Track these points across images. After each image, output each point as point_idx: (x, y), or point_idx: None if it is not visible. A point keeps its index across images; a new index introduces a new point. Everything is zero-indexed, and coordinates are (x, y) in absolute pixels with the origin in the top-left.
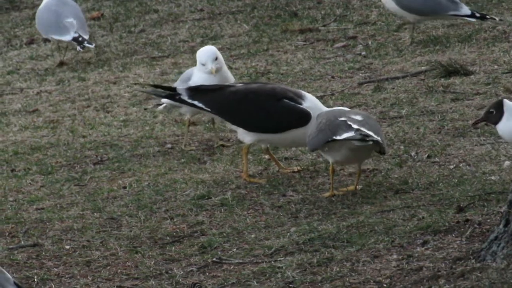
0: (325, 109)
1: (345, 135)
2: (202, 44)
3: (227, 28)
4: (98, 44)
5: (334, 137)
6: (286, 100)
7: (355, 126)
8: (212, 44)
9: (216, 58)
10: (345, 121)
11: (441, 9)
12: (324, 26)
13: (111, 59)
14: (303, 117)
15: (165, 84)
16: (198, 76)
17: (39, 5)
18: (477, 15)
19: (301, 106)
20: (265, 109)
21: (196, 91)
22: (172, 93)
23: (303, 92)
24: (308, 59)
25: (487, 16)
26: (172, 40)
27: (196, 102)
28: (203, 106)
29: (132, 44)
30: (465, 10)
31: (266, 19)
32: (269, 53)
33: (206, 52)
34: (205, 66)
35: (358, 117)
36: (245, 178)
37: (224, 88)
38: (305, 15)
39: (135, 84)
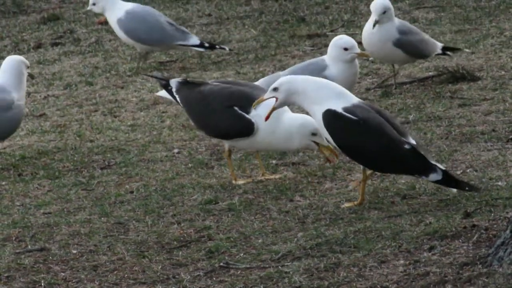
0: (286, 116)
1: (434, 177)
2: (211, 48)
3: (235, 33)
4: (106, 48)
5: (418, 176)
6: (236, 108)
7: (440, 166)
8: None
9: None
10: (422, 155)
11: (168, 39)
12: (331, 31)
13: (118, 64)
14: (245, 129)
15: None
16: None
17: (47, 9)
18: (206, 45)
19: (247, 116)
20: (214, 115)
21: (183, 85)
22: (167, 84)
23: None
24: None
25: (217, 46)
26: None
27: (177, 96)
28: (179, 101)
29: None
30: (194, 40)
31: (274, 24)
32: (277, 58)
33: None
34: (350, 50)
35: (414, 141)
36: (233, 181)
37: (202, 85)
38: (312, 20)
39: (144, 75)
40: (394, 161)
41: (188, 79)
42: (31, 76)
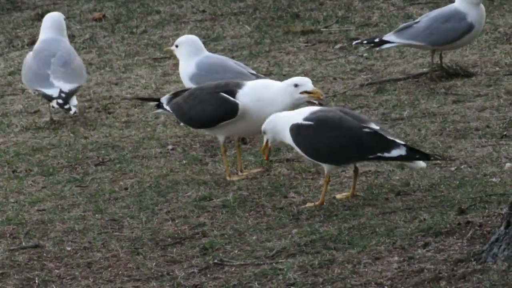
0: (273, 87)
1: (397, 153)
2: (204, 45)
3: (229, 29)
4: (100, 45)
5: (380, 154)
6: (221, 93)
7: (399, 141)
8: (214, 46)
9: None
10: (379, 133)
11: None
12: (326, 27)
13: (113, 60)
14: (230, 110)
15: (167, 86)
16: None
17: (41, 6)
18: None
19: (230, 98)
20: (202, 103)
21: (173, 97)
22: (158, 102)
23: (248, 82)
24: (310, 60)
25: None
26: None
27: (168, 107)
28: (170, 110)
29: (134, 45)
30: None
31: (268, 21)
32: (271, 55)
33: None
34: None
35: (377, 127)
36: (227, 177)
37: (189, 89)
38: (307, 16)
39: (123, 98)
40: (355, 147)
41: (178, 91)
42: None
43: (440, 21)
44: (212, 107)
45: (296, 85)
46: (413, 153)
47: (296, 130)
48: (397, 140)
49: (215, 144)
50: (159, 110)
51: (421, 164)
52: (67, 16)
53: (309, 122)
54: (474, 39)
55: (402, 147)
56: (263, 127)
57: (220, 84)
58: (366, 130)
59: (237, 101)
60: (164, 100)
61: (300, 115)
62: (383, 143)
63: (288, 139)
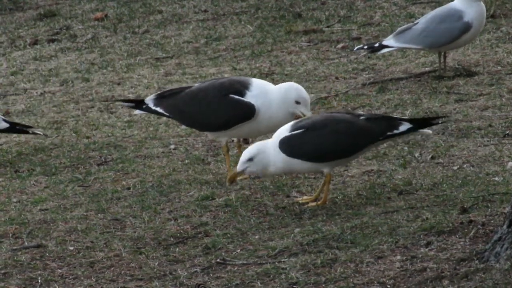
0: (273, 88)
1: (405, 127)
2: (206, 45)
3: (231, 29)
4: (102, 45)
5: (390, 133)
6: (232, 95)
7: (403, 117)
8: (216, 45)
9: None
10: (380, 115)
11: None
12: (328, 27)
13: (115, 60)
14: (247, 112)
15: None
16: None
17: (43, 6)
18: None
19: (245, 100)
20: (211, 107)
21: (161, 97)
22: (139, 103)
23: (251, 80)
24: (312, 60)
25: None
26: (176, 41)
27: (158, 109)
28: (163, 112)
29: (136, 45)
30: None
31: (270, 20)
32: (273, 54)
33: None
34: None
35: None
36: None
37: (184, 90)
38: (309, 16)
39: (105, 100)
40: (361, 135)
41: (161, 92)
42: None
43: (436, 22)
44: (227, 111)
45: (297, 102)
46: (418, 123)
47: (288, 141)
48: (400, 117)
49: (217, 143)
50: (139, 111)
51: (429, 131)
52: (69, 16)
53: (300, 130)
54: (475, 38)
55: (405, 122)
56: (248, 154)
57: (225, 85)
58: (362, 118)
59: (252, 102)
60: (149, 101)
61: (285, 130)
62: (388, 122)
63: (278, 164)
